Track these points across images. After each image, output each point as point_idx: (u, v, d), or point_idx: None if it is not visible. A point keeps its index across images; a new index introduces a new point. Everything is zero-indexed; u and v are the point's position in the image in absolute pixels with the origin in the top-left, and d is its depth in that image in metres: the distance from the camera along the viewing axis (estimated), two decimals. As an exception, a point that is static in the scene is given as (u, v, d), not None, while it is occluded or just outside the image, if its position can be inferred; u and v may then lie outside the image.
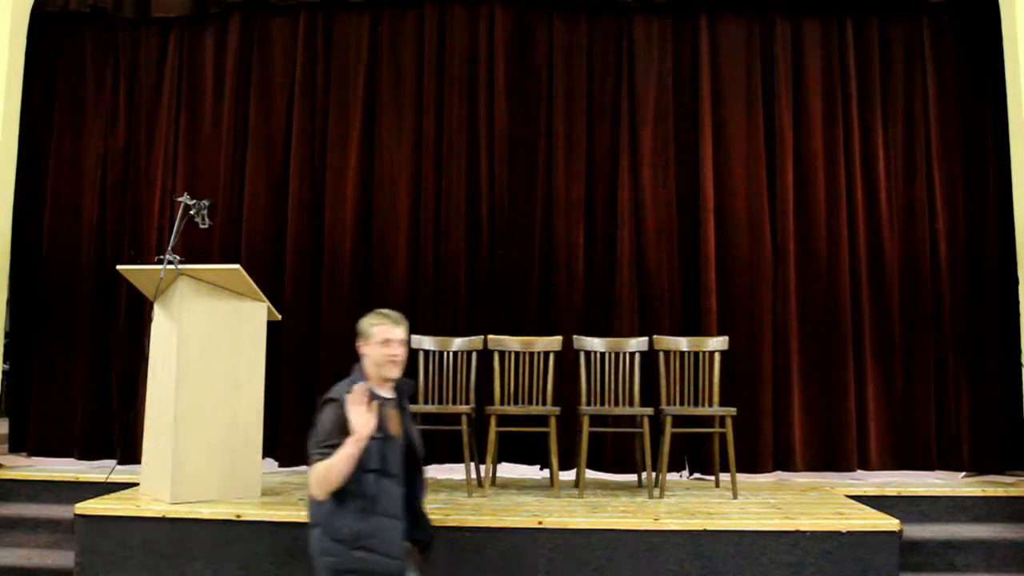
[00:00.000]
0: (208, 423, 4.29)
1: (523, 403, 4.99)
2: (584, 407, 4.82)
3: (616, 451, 5.42)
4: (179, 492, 4.18)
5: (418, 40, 5.81)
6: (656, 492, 4.67)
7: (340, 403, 2.77)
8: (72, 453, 5.60)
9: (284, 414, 5.50)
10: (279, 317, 4.74)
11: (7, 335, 5.79)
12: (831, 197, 5.61)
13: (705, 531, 3.95)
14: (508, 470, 5.44)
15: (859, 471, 5.39)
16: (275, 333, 5.27)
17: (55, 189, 5.88)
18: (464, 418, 4.66)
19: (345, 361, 5.37)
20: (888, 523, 3.99)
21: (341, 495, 2.74)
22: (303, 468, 5.50)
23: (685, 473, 5.46)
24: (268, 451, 5.51)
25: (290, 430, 5.49)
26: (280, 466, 5.52)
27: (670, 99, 5.72)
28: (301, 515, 4.03)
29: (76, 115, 5.94)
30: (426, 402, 5.01)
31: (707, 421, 4.98)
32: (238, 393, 4.39)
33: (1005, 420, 5.30)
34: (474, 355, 5.06)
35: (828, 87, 5.70)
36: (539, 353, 5.02)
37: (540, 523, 3.99)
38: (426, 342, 5.07)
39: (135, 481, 4.68)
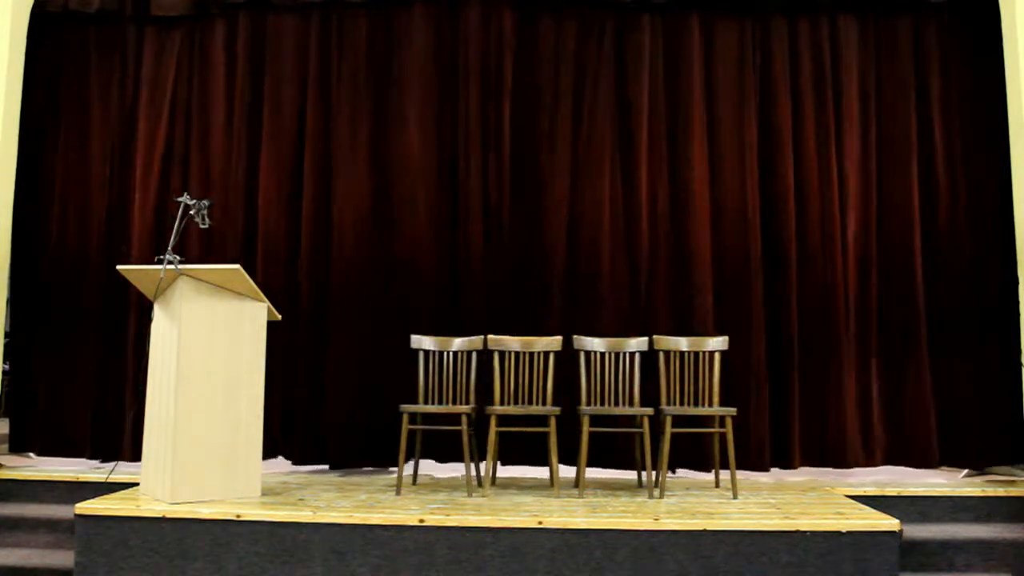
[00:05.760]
0: (208, 423, 4.29)
1: (523, 403, 5.00)
2: (584, 407, 4.82)
3: (616, 451, 5.41)
4: (179, 492, 4.19)
5: (425, 39, 5.78)
6: (656, 492, 4.67)
7: None
8: (72, 453, 5.60)
9: (297, 412, 5.51)
10: (279, 317, 4.74)
11: (7, 335, 5.80)
12: (827, 196, 5.61)
13: (705, 531, 3.95)
14: (508, 470, 5.45)
15: (859, 470, 5.40)
16: (289, 331, 5.30)
17: (59, 189, 5.86)
18: (464, 418, 4.66)
19: (356, 360, 5.45)
20: (888, 523, 3.99)
21: None
22: (316, 467, 5.50)
23: (684, 472, 5.46)
24: (281, 449, 5.53)
25: (303, 428, 5.50)
26: (294, 464, 5.51)
27: (663, 98, 5.71)
28: (301, 515, 4.05)
29: (81, 114, 5.93)
30: (426, 402, 5.02)
31: (707, 421, 4.99)
32: (238, 393, 4.39)
33: (1006, 419, 5.30)
34: (474, 355, 5.06)
35: (824, 87, 5.69)
36: (539, 353, 5.03)
37: (540, 523, 3.99)
38: (426, 342, 5.07)
39: (135, 481, 4.68)
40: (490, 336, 5.05)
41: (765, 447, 5.41)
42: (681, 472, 5.46)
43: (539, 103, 5.74)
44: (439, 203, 5.69)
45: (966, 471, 5.34)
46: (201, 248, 5.67)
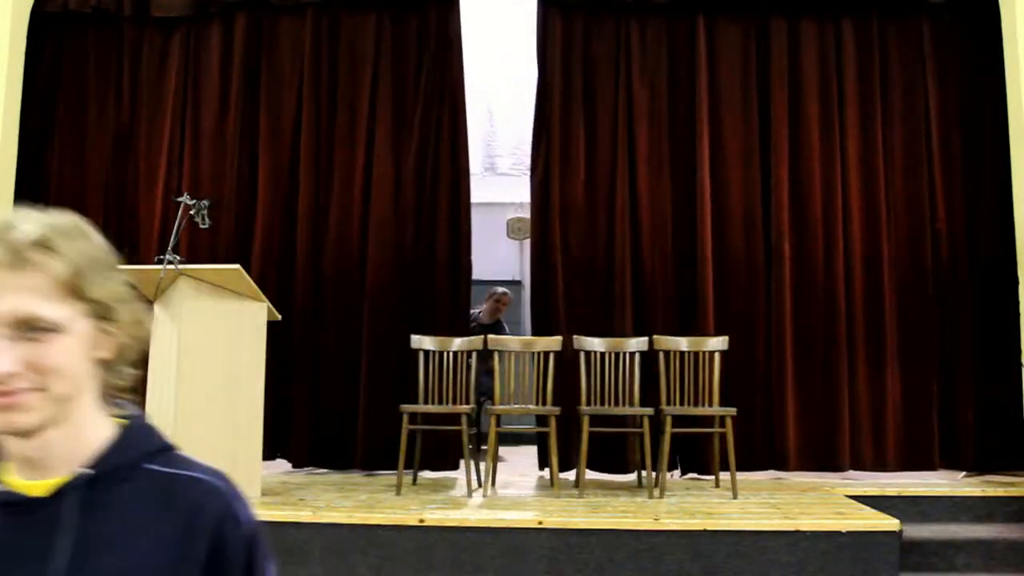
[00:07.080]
0: (208, 423, 4.27)
1: (524, 403, 4.99)
2: (584, 407, 4.82)
3: (616, 451, 5.41)
4: (179, 492, 4.17)
5: (421, 41, 5.80)
6: (656, 492, 4.66)
7: None
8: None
9: (296, 414, 5.50)
10: (279, 317, 4.73)
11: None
12: (828, 197, 5.61)
13: (705, 531, 3.95)
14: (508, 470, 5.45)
15: (858, 471, 5.39)
16: (286, 332, 5.29)
17: (59, 188, 5.86)
18: (464, 418, 4.66)
19: (350, 360, 5.45)
20: (888, 523, 3.99)
21: None
22: (312, 468, 5.50)
23: (678, 472, 5.46)
24: (280, 451, 5.52)
25: (301, 430, 5.50)
26: (294, 467, 5.49)
27: (666, 99, 5.72)
28: (301, 515, 4.05)
29: (79, 115, 5.93)
30: (426, 402, 5.01)
31: (707, 421, 4.98)
32: (238, 393, 4.38)
33: (1005, 420, 5.30)
34: (474, 355, 5.05)
35: (826, 88, 5.70)
36: (539, 353, 5.02)
37: (540, 523, 3.99)
38: (426, 342, 5.07)
39: (135, 481, 4.67)
40: (490, 336, 5.04)
41: (766, 448, 5.41)
42: (673, 473, 5.46)
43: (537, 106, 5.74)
44: (438, 201, 5.68)
45: (964, 472, 5.34)
46: (198, 249, 5.66)
